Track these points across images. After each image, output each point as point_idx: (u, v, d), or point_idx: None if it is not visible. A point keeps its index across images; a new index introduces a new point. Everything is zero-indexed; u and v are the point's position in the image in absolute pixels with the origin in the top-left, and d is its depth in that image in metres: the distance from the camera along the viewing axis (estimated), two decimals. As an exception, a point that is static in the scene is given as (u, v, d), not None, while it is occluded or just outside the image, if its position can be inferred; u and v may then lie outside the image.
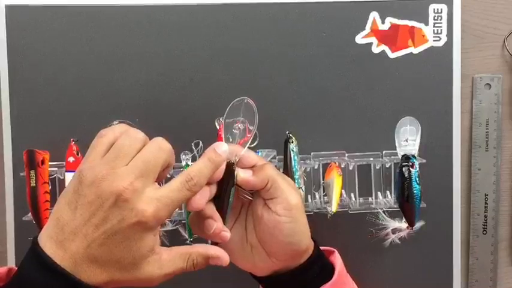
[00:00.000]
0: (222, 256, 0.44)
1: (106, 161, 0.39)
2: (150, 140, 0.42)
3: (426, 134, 0.64)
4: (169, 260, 0.42)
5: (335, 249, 0.52)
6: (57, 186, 0.62)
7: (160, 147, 0.41)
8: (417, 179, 0.61)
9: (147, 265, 0.40)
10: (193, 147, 0.63)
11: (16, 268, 0.40)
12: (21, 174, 0.60)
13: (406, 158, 0.61)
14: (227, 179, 0.45)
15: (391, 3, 0.64)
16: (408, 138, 0.62)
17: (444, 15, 0.64)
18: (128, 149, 0.40)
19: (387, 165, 0.64)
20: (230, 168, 0.44)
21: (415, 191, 0.61)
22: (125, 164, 0.39)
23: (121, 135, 0.41)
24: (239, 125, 0.47)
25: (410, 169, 0.60)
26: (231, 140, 0.46)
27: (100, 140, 0.41)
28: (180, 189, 0.40)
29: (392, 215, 0.64)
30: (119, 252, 0.38)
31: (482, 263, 0.68)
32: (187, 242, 0.61)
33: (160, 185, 0.41)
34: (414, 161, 0.60)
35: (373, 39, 0.65)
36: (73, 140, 0.60)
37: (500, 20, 0.66)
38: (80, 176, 0.39)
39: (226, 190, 0.45)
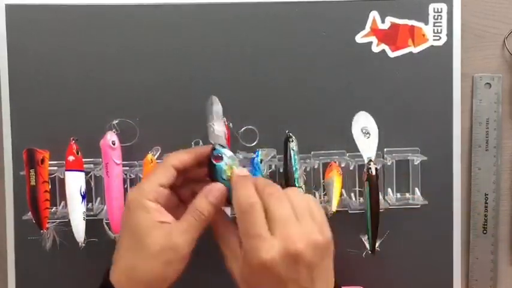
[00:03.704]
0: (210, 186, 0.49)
1: None
2: None
3: (426, 133, 0.64)
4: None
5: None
6: (57, 185, 0.62)
7: None
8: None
9: None
10: (193, 146, 0.63)
11: None
12: (21, 173, 0.60)
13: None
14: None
15: (391, 2, 0.64)
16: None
17: (444, 14, 0.64)
18: None
19: (388, 164, 0.64)
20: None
21: None
22: None
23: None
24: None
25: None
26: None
27: None
28: None
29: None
30: None
31: (482, 263, 0.68)
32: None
33: None
34: None
35: (373, 39, 0.65)
36: (73, 139, 0.59)
37: (501, 19, 0.66)
38: None
39: None
